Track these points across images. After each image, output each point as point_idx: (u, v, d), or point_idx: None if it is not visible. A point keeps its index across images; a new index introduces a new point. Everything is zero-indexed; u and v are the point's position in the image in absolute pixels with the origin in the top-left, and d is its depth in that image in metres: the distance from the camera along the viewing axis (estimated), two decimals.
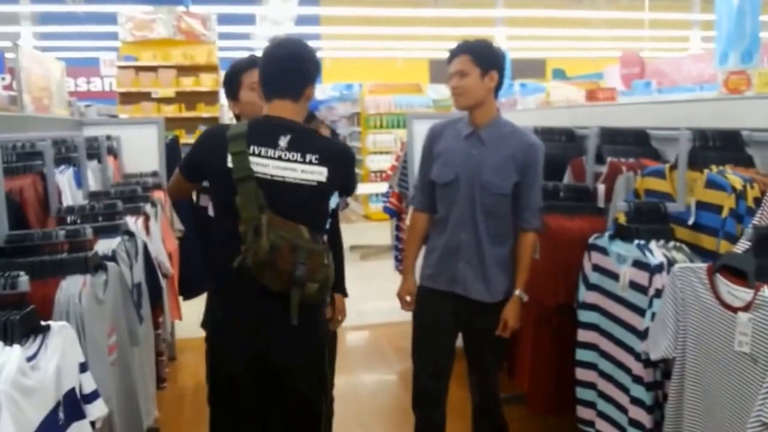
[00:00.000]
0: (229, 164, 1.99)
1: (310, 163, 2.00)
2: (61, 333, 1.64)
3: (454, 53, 2.55)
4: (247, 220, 1.94)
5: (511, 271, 2.62)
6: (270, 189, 1.98)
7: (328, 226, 2.46)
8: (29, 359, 1.51)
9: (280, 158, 1.99)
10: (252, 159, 1.98)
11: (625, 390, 2.39)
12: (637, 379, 2.31)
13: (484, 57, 2.51)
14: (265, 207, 1.95)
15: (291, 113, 2.08)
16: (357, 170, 10.89)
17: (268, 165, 1.99)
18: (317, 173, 2.00)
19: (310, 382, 2.14)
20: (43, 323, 1.63)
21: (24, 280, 1.67)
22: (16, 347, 1.47)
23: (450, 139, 2.61)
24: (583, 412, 2.67)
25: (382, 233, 8.43)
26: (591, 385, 2.62)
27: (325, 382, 2.22)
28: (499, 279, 2.60)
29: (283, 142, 2.00)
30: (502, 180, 2.51)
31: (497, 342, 2.64)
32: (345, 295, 2.66)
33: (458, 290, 2.60)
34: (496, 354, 2.72)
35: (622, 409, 2.41)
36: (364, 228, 9.65)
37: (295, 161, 2.00)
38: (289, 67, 2.07)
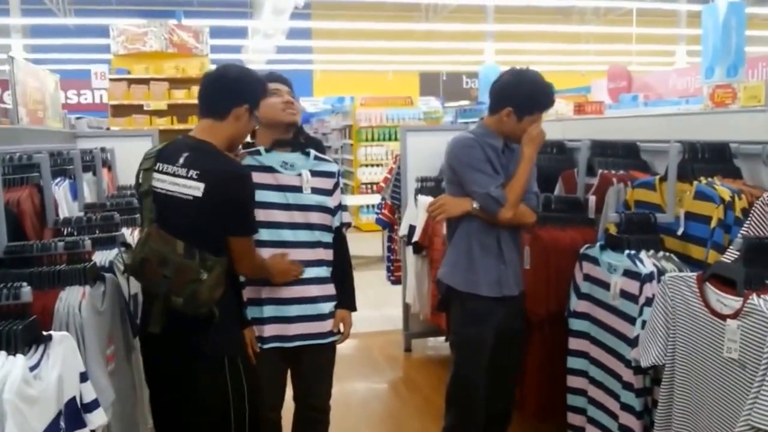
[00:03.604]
0: (140, 180, 2.14)
1: (191, 178, 2.06)
2: (62, 343, 1.66)
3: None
4: (141, 232, 2.11)
5: None
6: (162, 203, 2.09)
7: (331, 239, 2.55)
8: (32, 369, 1.53)
9: (174, 174, 2.08)
10: (155, 175, 2.10)
11: (615, 396, 2.42)
12: (627, 386, 2.34)
13: None
14: (153, 221, 2.06)
15: (209, 132, 2.14)
16: (348, 182, 11.09)
17: (165, 180, 2.09)
18: (194, 188, 2.04)
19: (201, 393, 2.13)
20: (44, 333, 1.64)
21: (27, 291, 1.68)
22: (20, 357, 1.49)
23: (489, 152, 2.65)
24: (573, 419, 2.70)
25: (373, 244, 8.46)
26: (582, 392, 2.65)
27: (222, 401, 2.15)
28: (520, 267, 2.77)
29: (182, 159, 2.09)
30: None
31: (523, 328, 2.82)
32: (353, 309, 2.66)
33: (507, 292, 2.67)
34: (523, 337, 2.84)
35: (613, 416, 2.44)
36: (355, 239, 9.65)
37: (181, 176, 2.07)
38: (214, 88, 2.16)
